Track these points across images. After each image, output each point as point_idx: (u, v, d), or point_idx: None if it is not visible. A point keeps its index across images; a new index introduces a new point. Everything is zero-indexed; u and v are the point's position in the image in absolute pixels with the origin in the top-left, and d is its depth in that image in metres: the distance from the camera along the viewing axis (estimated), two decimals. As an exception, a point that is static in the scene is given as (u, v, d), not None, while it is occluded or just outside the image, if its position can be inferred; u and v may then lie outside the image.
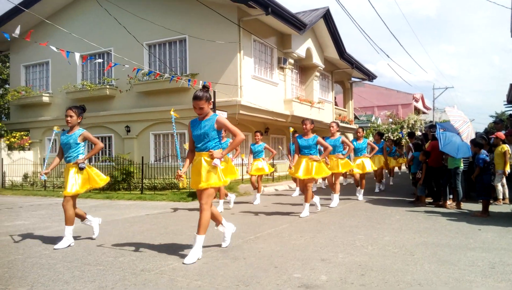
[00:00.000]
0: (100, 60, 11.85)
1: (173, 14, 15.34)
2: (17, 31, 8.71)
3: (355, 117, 30.65)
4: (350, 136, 25.33)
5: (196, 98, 4.50)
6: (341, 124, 22.20)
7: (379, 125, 33.93)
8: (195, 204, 10.42)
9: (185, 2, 14.88)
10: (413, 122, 34.33)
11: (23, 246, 5.47)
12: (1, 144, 17.28)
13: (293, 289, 3.47)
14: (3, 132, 18.42)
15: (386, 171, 15.09)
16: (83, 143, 5.58)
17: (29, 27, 18.14)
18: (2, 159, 16.95)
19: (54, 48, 9.58)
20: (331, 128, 9.13)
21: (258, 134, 10.08)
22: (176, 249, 5.02)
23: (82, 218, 5.69)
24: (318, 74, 20.22)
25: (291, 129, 9.70)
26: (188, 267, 4.17)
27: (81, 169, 5.43)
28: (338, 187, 9.09)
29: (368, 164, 10.27)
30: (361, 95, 38.30)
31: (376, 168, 11.34)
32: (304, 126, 7.53)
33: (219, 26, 14.25)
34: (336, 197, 8.94)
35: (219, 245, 5.15)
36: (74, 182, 5.36)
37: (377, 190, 12.31)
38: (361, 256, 4.53)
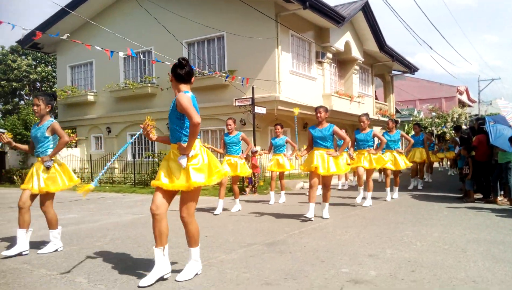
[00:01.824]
0: (143, 58, 12.14)
1: (211, 12, 15.49)
2: (65, 36, 9.24)
3: (397, 111, 29.92)
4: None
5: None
6: (381, 118, 21.78)
7: (421, 119, 33.02)
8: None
9: (223, -1, 15.00)
10: (458, 116, 33.18)
11: (76, 237, 5.71)
12: (50, 141, 18.07)
13: (342, 283, 3.44)
14: (51, 130, 19.23)
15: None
16: (52, 136, 4.89)
17: (73, 29, 18.92)
18: (51, 156, 17.70)
19: (98, 48, 9.90)
20: (362, 122, 8.28)
21: (278, 127, 9.35)
22: (222, 243, 5.09)
23: (52, 226, 4.87)
24: (357, 67, 19.88)
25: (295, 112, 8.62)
26: (235, 260, 4.23)
27: (47, 168, 4.76)
28: (371, 184, 8.33)
29: (401, 161, 9.29)
30: (402, 88, 37.33)
31: (410, 165, 10.15)
32: (318, 114, 6.69)
33: (257, 22, 14.27)
34: (369, 195, 8.29)
35: (264, 240, 5.19)
36: (37, 180, 4.72)
37: (419, 187, 11.62)
38: (410, 252, 4.43)
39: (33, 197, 4.79)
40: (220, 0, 15.25)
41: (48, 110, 4.91)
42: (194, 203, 3.64)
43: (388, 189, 9.20)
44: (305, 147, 7.15)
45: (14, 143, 5.02)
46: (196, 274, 3.67)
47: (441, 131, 29.86)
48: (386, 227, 5.91)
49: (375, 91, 24.27)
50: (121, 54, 9.99)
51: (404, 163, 9.34)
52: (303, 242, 5.05)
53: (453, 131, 13.64)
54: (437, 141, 15.22)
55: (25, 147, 5.26)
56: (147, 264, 4.14)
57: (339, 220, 6.68)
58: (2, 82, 23.35)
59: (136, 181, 14.62)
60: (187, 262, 3.69)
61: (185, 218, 3.60)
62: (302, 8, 13.93)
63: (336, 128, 6.69)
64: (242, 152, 8.18)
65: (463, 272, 3.72)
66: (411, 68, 24.90)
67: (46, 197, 4.83)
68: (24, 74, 23.18)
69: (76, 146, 19.46)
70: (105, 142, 18.89)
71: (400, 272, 3.75)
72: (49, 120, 4.90)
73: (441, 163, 20.40)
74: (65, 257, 4.56)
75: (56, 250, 4.85)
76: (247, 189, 11.72)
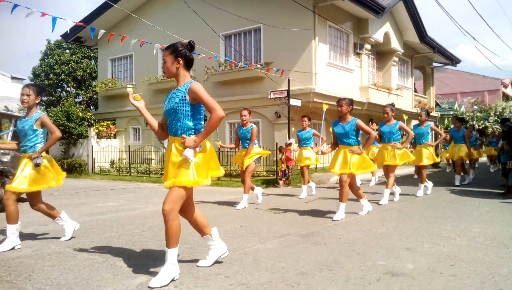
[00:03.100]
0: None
1: (248, 4, 15.49)
2: (101, 33, 9.61)
3: (436, 104, 29.02)
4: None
5: (166, 48, 3.42)
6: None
7: (462, 113, 31.88)
8: (268, 190, 10.56)
9: (260, -9, 14.96)
10: (501, 110, 31.81)
11: (116, 224, 5.91)
12: (91, 132, 18.72)
13: (379, 276, 3.40)
14: (92, 121, 19.91)
15: (468, 162, 12.98)
16: (41, 130, 4.55)
17: (115, 22, 19.42)
18: (92, 146, 18.36)
19: (133, 41, 10.16)
20: (386, 114, 7.59)
21: (305, 119, 8.90)
22: (257, 232, 5.14)
23: (53, 216, 4.77)
24: (396, 59, 19.40)
25: (324, 108, 7.25)
26: (270, 249, 4.26)
27: (36, 165, 4.44)
28: (391, 181, 7.61)
29: (426, 155, 8.65)
30: (443, 81, 36.14)
31: (438, 160, 9.14)
32: (339, 108, 6.07)
33: (294, 13, 14.16)
34: (386, 192, 7.57)
35: (299, 231, 5.20)
36: (25, 178, 4.42)
37: (457, 183, 10.71)
38: (449, 247, 4.32)
39: (19, 194, 4.52)
40: (257, -8, 15.23)
41: (37, 101, 4.57)
42: (182, 200, 3.33)
43: (422, 185, 8.68)
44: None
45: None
46: (173, 280, 3.28)
47: (483, 125, 28.71)
48: (424, 222, 5.78)
49: (415, 84, 23.63)
50: (157, 46, 10.20)
51: (428, 159, 8.64)
52: (338, 234, 5.02)
53: (498, 125, 12.93)
54: (478, 135, 14.48)
55: (12, 145, 4.86)
56: (184, 251, 4.24)
57: (375, 213, 6.58)
58: (50, 74, 24.25)
59: (173, 172, 14.93)
60: (163, 265, 3.31)
61: (167, 212, 3.24)
62: (341, -1, 13.70)
63: (359, 122, 6.01)
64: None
65: (506, 268, 3.60)
66: (453, 60, 24.03)
67: (35, 195, 4.62)
68: (70, 70, 23.97)
69: (115, 137, 20.05)
70: (143, 134, 19.35)
71: (439, 266, 3.67)
72: (37, 112, 4.54)
73: (477, 159, 19.40)
74: (106, 242, 4.73)
75: (13, 248, 4.41)
76: (281, 182, 11.74)
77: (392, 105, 7.80)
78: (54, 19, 7.97)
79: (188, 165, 3.26)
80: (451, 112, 29.81)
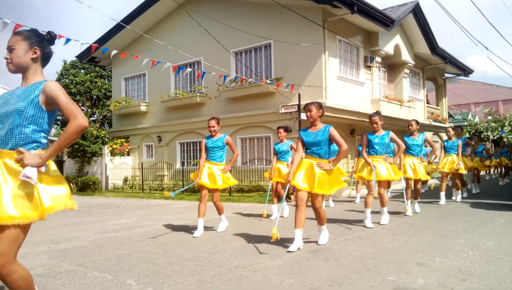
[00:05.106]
0: (190, 70, 12.54)
1: (259, 21, 15.69)
2: (113, 53, 9.89)
3: (449, 116, 28.74)
4: (444, 136, 23.82)
5: (17, 33, 2.60)
6: (433, 123, 21.06)
7: (476, 124, 31.49)
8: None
9: (270, 7, 15.13)
10: (517, 119, 31.36)
11: (128, 242, 5.96)
12: (105, 150, 18.97)
13: (388, 292, 3.37)
14: (106, 139, 20.19)
15: (468, 173, 12.20)
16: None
17: (128, 42, 19.83)
18: (106, 164, 18.58)
19: (146, 60, 10.39)
20: (374, 124, 6.73)
21: (281, 130, 8.09)
22: (267, 248, 5.13)
23: None
24: (407, 71, 19.35)
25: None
26: (280, 266, 4.25)
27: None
28: (385, 199, 6.92)
29: (421, 170, 8.00)
30: (455, 92, 35.88)
31: (428, 177, 8.59)
32: (307, 114, 5.25)
33: (304, 29, 14.29)
34: (385, 211, 6.96)
35: (309, 246, 5.18)
36: None
37: (453, 197, 9.99)
38: (461, 261, 4.26)
39: None
40: (267, 9, 15.41)
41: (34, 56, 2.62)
42: (20, 243, 2.35)
43: (408, 201, 7.95)
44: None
45: None
46: None
47: (497, 135, 28.29)
48: (436, 235, 5.70)
49: (427, 95, 23.48)
50: (168, 64, 10.41)
51: (423, 173, 8.01)
52: (348, 249, 4.99)
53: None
54: (485, 146, 14.14)
55: None
56: (194, 268, 4.26)
57: (387, 227, 6.52)
58: (65, 94, 24.62)
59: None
60: None
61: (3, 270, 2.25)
62: (350, 13, 13.76)
63: (332, 131, 5.15)
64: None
65: (519, 283, 3.53)
66: (465, 70, 23.86)
67: None
68: (86, 89, 24.43)
69: (128, 155, 20.28)
70: (156, 151, 19.54)
71: (450, 281, 3.62)
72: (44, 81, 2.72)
73: (488, 171, 19.00)
74: (117, 260, 4.78)
75: None
76: (292, 197, 11.69)
77: (379, 113, 6.95)
78: (67, 40, 8.33)
79: (31, 190, 2.33)
80: (465, 123, 29.50)
